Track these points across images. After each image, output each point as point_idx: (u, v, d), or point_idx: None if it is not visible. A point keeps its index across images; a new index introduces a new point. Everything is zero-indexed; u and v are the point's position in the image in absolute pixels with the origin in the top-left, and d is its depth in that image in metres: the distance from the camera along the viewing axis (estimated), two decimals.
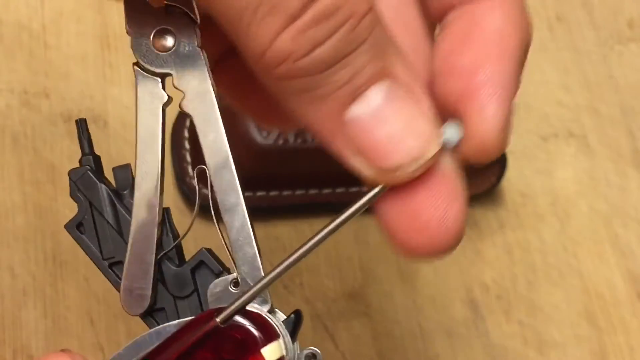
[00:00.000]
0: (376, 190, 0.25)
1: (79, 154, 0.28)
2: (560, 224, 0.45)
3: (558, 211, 0.45)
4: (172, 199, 0.43)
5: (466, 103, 0.25)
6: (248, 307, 0.27)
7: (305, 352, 0.27)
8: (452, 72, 0.26)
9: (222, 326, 0.26)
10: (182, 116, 0.44)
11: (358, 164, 0.25)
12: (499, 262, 0.44)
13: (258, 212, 0.42)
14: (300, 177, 0.44)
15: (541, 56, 0.49)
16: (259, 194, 0.44)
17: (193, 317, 0.27)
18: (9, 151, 0.45)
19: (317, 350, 0.28)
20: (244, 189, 0.27)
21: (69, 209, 0.44)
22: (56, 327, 0.41)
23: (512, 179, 0.46)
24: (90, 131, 0.29)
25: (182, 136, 0.44)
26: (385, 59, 0.24)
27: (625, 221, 0.45)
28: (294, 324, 0.27)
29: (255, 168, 0.43)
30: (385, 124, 0.24)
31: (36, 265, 0.42)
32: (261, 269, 0.27)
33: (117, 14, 0.47)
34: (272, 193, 0.44)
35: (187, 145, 0.44)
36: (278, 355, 0.27)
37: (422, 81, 0.25)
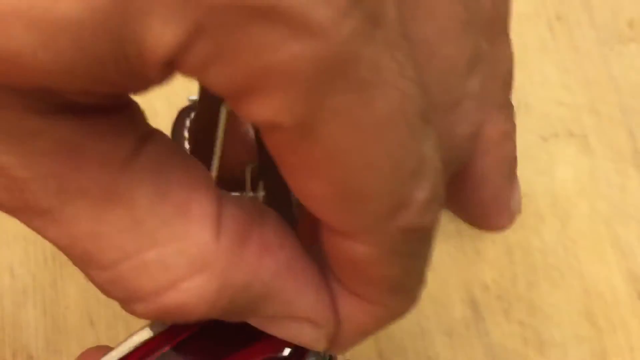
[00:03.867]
0: None
1: None
2: (560, 224, 0.45)
3: (558, 211, 0.45)
4: None
5: None
6: None
7: None
8: None
9: None
10: (182, 115, 0.44)
11: None
12: (499, 262, 0.44)
13: None
14: None
15: (541, 56, 0.49)
16: (260, 194, 0.44)
17: None
18: None
19: None
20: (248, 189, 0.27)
21: None
22: (56, 327, 0.41)
23: None
24: None
25: (181, 136, 0.44)
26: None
27: (626, 221, 0.45)
28: None
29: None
30: None
31: (36, 265, 0.42)
32: None
33: None
34: None
35: (187, 145, 0.44)
36: None
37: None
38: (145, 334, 0.24)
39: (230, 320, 0.23)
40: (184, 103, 0.42)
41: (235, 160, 0.26)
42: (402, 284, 0.22)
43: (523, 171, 0.48)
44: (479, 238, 0.44)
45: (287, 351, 0.24)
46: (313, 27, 0.17)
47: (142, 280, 0.21)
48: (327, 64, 0.17)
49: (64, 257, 0.44)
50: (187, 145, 0.44)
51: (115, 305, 0.33)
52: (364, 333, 0.24)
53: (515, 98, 0.49)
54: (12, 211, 0.20)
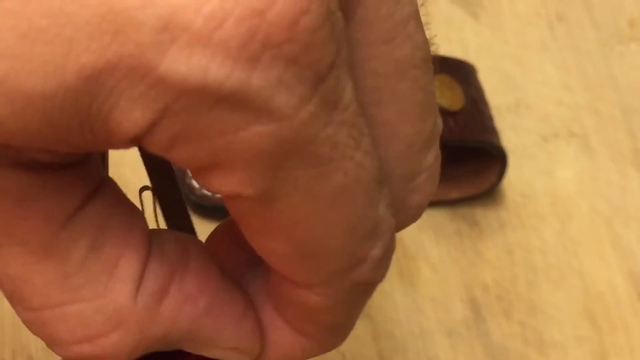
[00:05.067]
0: None
1: None
2: (561, 224, 0.45)
3: (559, 211, 0.45)
4: None
5: None
6: None
7: None
8: None
9: None
10: None
11: None
12: (500, 262, 0.44)
13: None
14: None
15: (542, 55, 0.49)
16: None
17: None
18: None
19: None
20: None
21: None
22: None
23: (513, 179, 0.46)
24: None
25: None
26: None
27: (627, 221, 0.45)
28: None
29: None
30: None
31: None
32: None
33: None
34: None
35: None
36: None
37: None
38: None
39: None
40: None
41: None
42: (341, 326, 0.24)
43: (523, 171, 0.48)
44: (479, 238, 0.44)
45: None
46: (275, 112, 0.18)
47: (61, 330, 0.22)
48: (287, 143, 0.19)
49: None
50: None
51: None
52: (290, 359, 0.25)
53: (516, 98, 0.49)
54: None
